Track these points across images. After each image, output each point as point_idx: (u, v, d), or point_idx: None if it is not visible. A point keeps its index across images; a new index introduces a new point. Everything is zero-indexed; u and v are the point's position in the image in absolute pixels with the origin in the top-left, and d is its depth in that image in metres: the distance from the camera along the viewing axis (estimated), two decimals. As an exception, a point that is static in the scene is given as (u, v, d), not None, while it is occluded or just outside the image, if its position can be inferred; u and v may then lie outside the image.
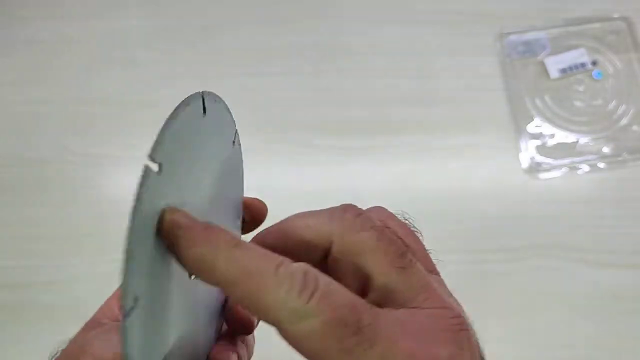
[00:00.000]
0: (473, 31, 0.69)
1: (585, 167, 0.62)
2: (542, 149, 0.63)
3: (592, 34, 0.68)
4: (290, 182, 0.62)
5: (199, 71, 0.68)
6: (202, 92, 0.22)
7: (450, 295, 0.22)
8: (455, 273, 0.61)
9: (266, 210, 0.27)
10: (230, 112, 0.23)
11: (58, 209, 0.61)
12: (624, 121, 0.64)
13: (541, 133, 0.63)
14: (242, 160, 0.27)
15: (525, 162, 0.62)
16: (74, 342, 0.27)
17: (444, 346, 0.19)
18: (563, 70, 0.66)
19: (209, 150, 0.23)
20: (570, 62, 0.66)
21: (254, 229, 0.27)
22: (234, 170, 0.26)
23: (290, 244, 0.22)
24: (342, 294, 0.19)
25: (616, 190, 0.61)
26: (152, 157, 0.20)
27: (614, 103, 0.65)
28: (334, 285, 0.19)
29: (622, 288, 0.56)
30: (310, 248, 0.21)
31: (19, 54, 0.70)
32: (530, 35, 0.68)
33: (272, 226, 0.23)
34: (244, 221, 0.28)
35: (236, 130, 0.25)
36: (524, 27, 0.68)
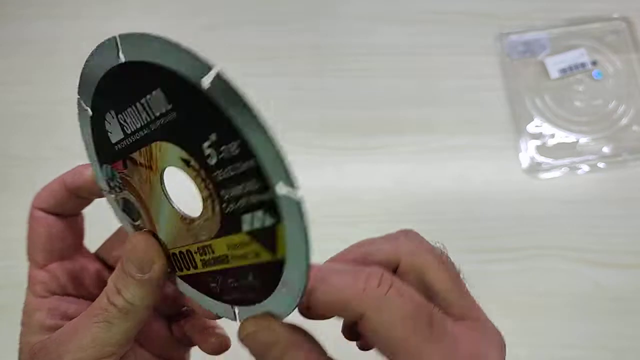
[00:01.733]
0: (473, 31, 0.69)
1: (585, 167, 0.62)
2: (542, 149, 0.63)
3: (592, 34, 0.68)
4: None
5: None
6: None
7: None
8: (455, 273, 0.61)
9: None
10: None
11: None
12: (624, 121, 0.64)
13: (541, 133, 0.63)
14: None
15: (525, 162, 0.62)
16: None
17: (494, 355, 0.23)
18: (563, 70, 0.66)
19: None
20: (570, 62, 0.66)
21: None
22: None
23: (365, 264, 0.24)
24: (415, 293, 0.22)
25: (616, 190, 0.61)
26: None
27: (614, 103, 0.65)
28: (406, 285, 0.22)
29: (622, 288, 0.56)
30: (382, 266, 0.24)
31: (17, 54, 0.70)
32: (530, 35, 0.68)
33: (345, 251, 0.26)
34: None
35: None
36: (524, 27, 0.68)
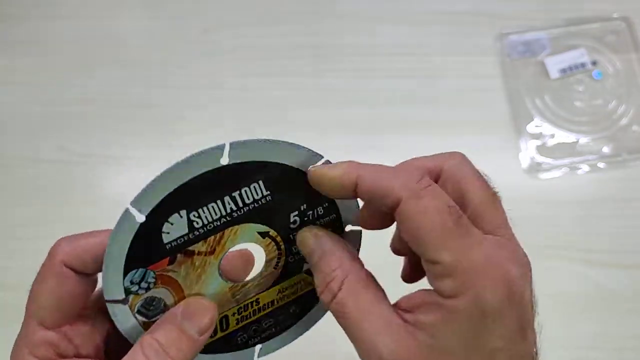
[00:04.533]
0: (473, 31, 0.69)
1: (585, 167, 0.62)
2: (542, 149, 0.63)
3: (592, 34, 0.68)
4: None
5: (199, 71, 0.68)
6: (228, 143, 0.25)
7: None
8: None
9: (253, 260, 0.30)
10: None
11: (57, 209, 0.61)
12: (624, 121, 0.64)
13: (541, 133, 0.63)
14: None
15: (525, 162, 0.62)
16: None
17: (517, 268, 0.24)
18: (563, 70, 0.66)
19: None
20: (570, 62, 0.66)
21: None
22: None
23: None
24: (449, 198, 0.24)
25: (616, 190, 0.61)
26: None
27: (614, 103, 0.65)
28: (443, 191, 0.24)
29: (622, 288, 0.56)
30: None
31: (17, 54, 0.70)
32: (530, 35, 0.68)
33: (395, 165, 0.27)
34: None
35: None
36: (524, 27, 0.68)
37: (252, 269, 0.29)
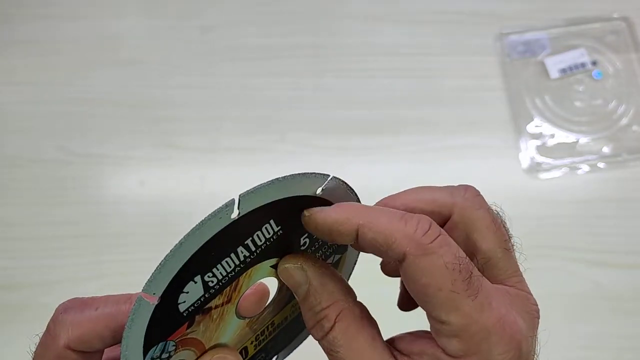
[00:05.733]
0: (473, 31, 0.69)
1: (585, 167, 0.62)
2: (542, 149, 0.63)
3: (592, 34, 0.68)
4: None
5: (199, 71, 0.68)
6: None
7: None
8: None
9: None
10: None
11: (57, 209, 0.61)
12: (624, 121, 0.64)
13: (541, 133, 0.63)
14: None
15: (525, 162, 0.62)
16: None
17: (525, 321, 0.23)
18: (563, 70, 0.66)
19: None
20: (570, 62, 0.66)
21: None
22: None
23: (417, 211, 0.24)
24: (459, 249, 0.22)
25: (616, 190, 0.61)
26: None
27: (614, 103, 0.65)
28: (452, 240, 0.22)
29: (622, 288, 0.56)
30: (432, 217, 0.24)
31: (17, 54, 0.70)
32: (530, 35, 0.68)
33: (400, 194, 0.26)
34: None
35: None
36: (524, 27, 0.68)
37: (267, 300, 0.27)
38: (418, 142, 0.64)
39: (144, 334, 0.23)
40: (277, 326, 0.28)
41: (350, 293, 0.24)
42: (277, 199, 0.23)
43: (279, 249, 0.25)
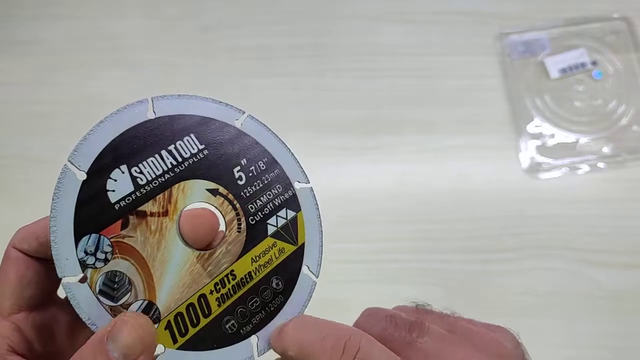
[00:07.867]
0: (473, 31, 0.69)
1: (585, 167, 0.62)
2: (542, 149, 0.63)
3: (592, 34, 0.68)
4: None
5: (199, 71, 0.68)
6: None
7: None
8: (455, 273, 0.61)
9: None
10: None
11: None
12: (624, 121, 0.64)
13: (541, 133, 0.63)
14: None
15: (525, 162, 0.62)
16: None
17: None
18: (563, 70, 0.66)
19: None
20: (570, 62, 0.66)
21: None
22: None
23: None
24: (380, 355, 0.22)
25: (616, 190, 0.61)
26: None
27: (614, 103, 0.65)
28: (376, 346, 0.22)
29: (622, 288, 0.56)
30: None
31: (17, 54, 0.70)
32: (530, 35, 0.68)
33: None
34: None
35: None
36: (524, 27, 0.68)
37: (215, 234, 0.27)
38: (418, 142, 0.64)
39: (73, 212, 0.23)
40: (240, 282, 0.26)
41: None
42: (192, 113, 0.26)
43: (212, 174, 0.26)
